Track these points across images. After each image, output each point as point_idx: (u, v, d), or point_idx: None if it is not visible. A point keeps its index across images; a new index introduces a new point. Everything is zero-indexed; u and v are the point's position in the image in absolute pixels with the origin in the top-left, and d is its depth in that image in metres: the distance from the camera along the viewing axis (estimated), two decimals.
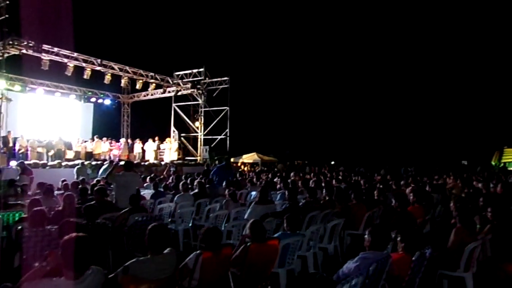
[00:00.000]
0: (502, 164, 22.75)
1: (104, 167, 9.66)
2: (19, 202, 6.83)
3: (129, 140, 18.83)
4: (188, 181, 7.89)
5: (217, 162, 15.70)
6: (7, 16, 11.77)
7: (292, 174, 11.51)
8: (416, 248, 3.00)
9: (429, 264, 3.02)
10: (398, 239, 3.02)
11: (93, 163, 14.23)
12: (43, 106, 18.46)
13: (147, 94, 20.87)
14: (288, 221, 3.77)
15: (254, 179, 11.48)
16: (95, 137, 17.54)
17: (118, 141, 18.73)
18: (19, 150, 14.80)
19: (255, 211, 5.02)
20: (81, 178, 10.45)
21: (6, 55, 12.13)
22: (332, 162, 28.89)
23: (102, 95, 20.33)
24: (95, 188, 6.04)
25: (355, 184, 8.53)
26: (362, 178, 10.89)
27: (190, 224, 6.37)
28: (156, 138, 18.90)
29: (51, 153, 15.17)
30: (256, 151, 26.28)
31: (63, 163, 13.57)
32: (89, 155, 16.91)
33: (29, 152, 14.62)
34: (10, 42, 11.99)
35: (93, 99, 20.13)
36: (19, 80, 16.97)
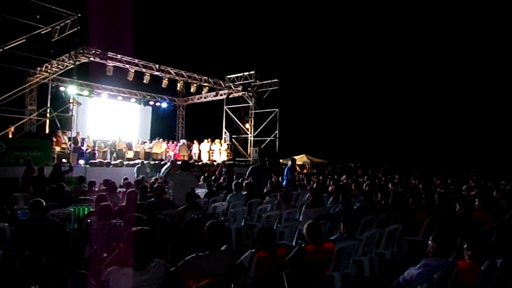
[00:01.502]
0: None
1: (166, 166, 10.15)
2: (87, 197, 7.45)
3: (183, 141, 19.62)
4: (240, 181, 8.03)
5: (267, 163, 15.75)
6: (78, 28, 12.89)
7: (344, 176, 11.25)
8: (484, 256, 2.79)
9: (501, 274, 2.79)
10: (465, 246, 2.83)
11: (151, 162, 15.01)
12: (107, 109, 19.95)
13: (201, 97, 21.65)
14: (345, 224, 3.69)
15: (305, 181, 11.41)
16: (157, 138, 18.52)
17: (175, 142, 19.71)
18: (86, 149, 16.11)
19: (307, 214, 4.99)
20: (141, 176, 11.14)
21: (77, 63, 13.25)
22: (386, 165, 27.72)
23: (159, 99, 21.47)
24: (154, 186, 6.38)
25: (413, 188, 8.11)
26: (420, 182, 10.35)
27: (242, 223, 6.49)
28: (209, 139, 19.56)
29: (114, 154, 16.34)
30: (305, 152, 26.02)
31: (125, 162, 14.49)
32: (148, 155, 17.93)
33: (96, 152, 15.88)
34: (81, 51, 13.10)
35: (151, 102, 21.30)
36: (87, 86, 18.50)
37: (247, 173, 8.59)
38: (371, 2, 29.44)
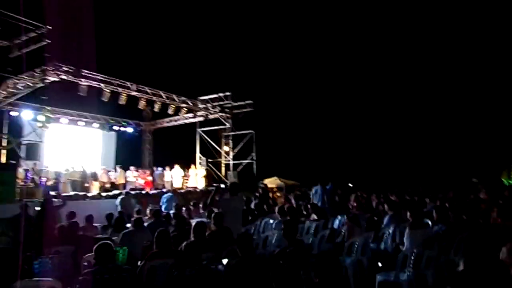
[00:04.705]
0: None
1: (166, 196, 8.97)
2: (103, 235, 6.08)
3: (160, 168, 18.01)
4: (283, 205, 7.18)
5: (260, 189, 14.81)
6: (48, 42, 11.30)
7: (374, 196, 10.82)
8: None
9: None
10: None
11: (132, 192, 13.33)
12: (65, 136, 17.73)
13: (170, 121, 20.32)
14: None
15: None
16: (120, 166, 16.78)
17: (145, 170, 18.06)
18: (46, 181, 13.95)
19: (415, 237, 4.36)
20: (137, 208, 9.64)
21: (46, 82, 11.52)
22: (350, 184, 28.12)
23: (124, 123, 19.69)
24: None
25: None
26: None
27: None
28: (178, 165, 18.09)
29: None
30: (278, 175, 25.54)
31: (103, 194, 12.71)
32: (114, 185, 16.10)
33: (60, 184, 13.78)
34: (50, 69, 11.44)
35: (116, 128, 19.43)
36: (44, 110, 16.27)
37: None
38: (345, 24, 30.17)
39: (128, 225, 7.20)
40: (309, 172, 28.85)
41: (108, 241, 3.41)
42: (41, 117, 15.95)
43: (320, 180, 9.88)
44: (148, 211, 8.28)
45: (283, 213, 6.47)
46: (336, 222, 7.53)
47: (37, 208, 8.10)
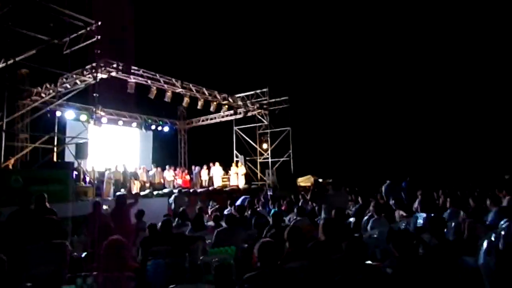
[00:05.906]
0: None
1: (244, 196, 8.70)
2: (196, 234, 5.72)
3: (198, 167, 17.71)
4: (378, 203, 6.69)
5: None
6: (98, 37, 11.07)
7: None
8: None
9: None
10: None
11: (183, 190, 13.04)
12: (106, 135, 17.62)
13: (206, 119, 20.04)
14: None
15: None
16: (153, 165, 16.59)
17: (184, 169, 17.82)
18: (89, 182, 13.80)
19: None
20: (198, 206, 9.31)
21: (98, 79, 11.31)
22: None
23: (161, 122, 19.52)
24: None
25: None
26: None
27: None
28: (218, 164, 17.78)
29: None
30: (312, 173, 24.96)
31: (155, 192, 12.46)
32: (152, 185, 15.86)
33: (104, 184, 13.57)
34: (101, 65, 11.23)
35: (153, 127, 19.27)
36: (85, 110, 16.19)
37: (383, 190, 7.28)
38: (385, 22, 29.18)
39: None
40: (344, 169, 28.20)
41: (271, 239, 2.98)
42: (84, 116, 15.98)
43: (390, 177, 9.36)
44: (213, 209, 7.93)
45: (379, 210, 5.99)
46: (420, 221, 7.03)
47: (105, 207, 7.88)
